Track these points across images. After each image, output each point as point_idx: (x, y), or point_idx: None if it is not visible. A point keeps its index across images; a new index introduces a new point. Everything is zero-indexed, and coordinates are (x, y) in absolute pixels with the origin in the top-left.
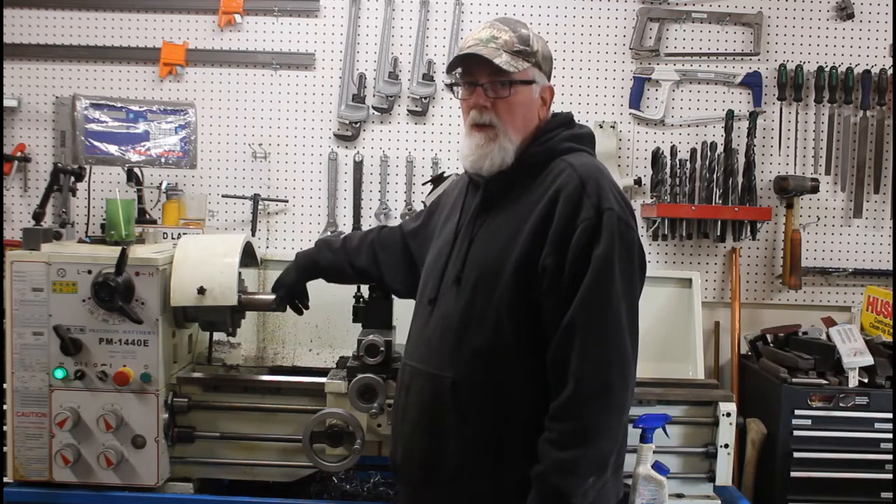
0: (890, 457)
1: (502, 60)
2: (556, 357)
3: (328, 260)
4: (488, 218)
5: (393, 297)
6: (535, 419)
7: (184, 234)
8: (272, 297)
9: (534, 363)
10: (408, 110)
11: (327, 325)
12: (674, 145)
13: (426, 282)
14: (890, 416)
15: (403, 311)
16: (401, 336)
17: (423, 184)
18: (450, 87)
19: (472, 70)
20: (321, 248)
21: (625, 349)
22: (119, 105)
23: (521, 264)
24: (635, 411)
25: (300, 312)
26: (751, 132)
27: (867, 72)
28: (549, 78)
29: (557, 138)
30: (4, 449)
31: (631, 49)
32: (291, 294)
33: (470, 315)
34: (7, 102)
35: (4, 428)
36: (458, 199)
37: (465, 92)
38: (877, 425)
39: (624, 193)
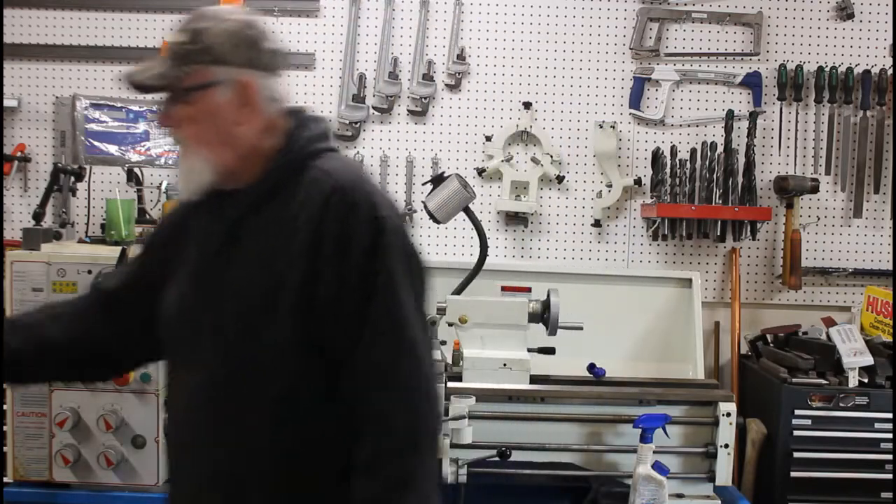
0: (890, 457)
1: (157, 71)
2: (355, 400)
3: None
4: (231, 251)
5: None
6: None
7: None
8: None
9: (334, 408)
10: (408, 110)
11: None
12: (674, 145)
13: (172, 342)
14: (890, 416)
15: None
16: None
17: (423, 184)
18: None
19: (148, 92)
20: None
21: (426, 373)
22: (119, 105)
23: (298, 297)
24: (635, 411)
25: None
26: (751, 132)
27: (867, 72)
28: (254, 66)
29: (303, 143)
30: (4, 449)
31: (631, 49)
32: None
33: (242, 371)
34: (7, 102)
35: (4, 428)
36: (181, 231)
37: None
38: (877, 425)
39: (388, 194)
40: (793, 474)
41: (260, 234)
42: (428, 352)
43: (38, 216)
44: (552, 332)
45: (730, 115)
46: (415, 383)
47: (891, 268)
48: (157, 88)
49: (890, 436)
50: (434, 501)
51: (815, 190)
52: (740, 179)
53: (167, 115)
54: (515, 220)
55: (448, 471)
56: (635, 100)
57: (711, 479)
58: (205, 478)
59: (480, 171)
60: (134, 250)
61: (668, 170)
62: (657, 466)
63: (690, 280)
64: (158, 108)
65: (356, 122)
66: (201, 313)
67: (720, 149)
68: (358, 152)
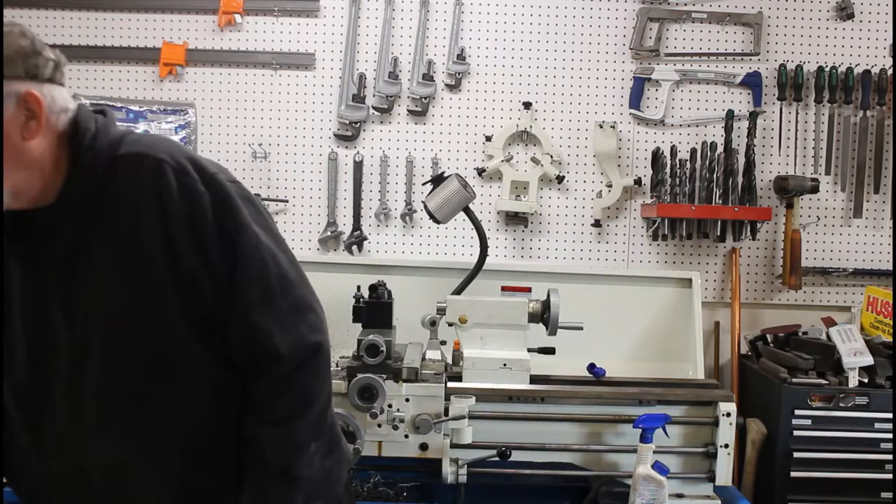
0: (890, 457)
1: None
2: (247, 347)
3: None
4: (76, 268)
5: (393, 297)
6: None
7: None
8: None
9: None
10: (408, 110)
11: (327, 325)
12: (674, 145)
13: (21, 391)
14: (890, 416)
15: (404, 311)
16: (401, 336)
17: (424, 184)
18: None
19: None
20: None
21: (308, 302)
22: (119, 105)
23: (170, 282)
24: (635, 411)
25: None
26: (751, 132)
27: (867, 72)
28: (35, 77)
29: (96, 134)
30: None
31: (631, 49)
32: None
33: (149, 372)
34: None
35: None
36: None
37: None
38: (877, 425)
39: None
40: (793, 474)
41: (99, 247)
42: (297, 276)
43: None
44: (552, 332)
45: (730, 115)
46: (292, 309)
47: (891, 268)
48: None
49: (890, 436)
50: (323, 421)
51: (815, 190)
52: (740, 179)
53: None
54: (515, 220)
55: (448, 471)
56: (635, 100)
57: (711, 479)
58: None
59: (480, 171)
60: None
61: (668, 170)
62: (657, 466)
63: (690, 280)
64: None
65: (356, 122)
66: (60, 349)
67: (720, 149)
68: (358, 152)
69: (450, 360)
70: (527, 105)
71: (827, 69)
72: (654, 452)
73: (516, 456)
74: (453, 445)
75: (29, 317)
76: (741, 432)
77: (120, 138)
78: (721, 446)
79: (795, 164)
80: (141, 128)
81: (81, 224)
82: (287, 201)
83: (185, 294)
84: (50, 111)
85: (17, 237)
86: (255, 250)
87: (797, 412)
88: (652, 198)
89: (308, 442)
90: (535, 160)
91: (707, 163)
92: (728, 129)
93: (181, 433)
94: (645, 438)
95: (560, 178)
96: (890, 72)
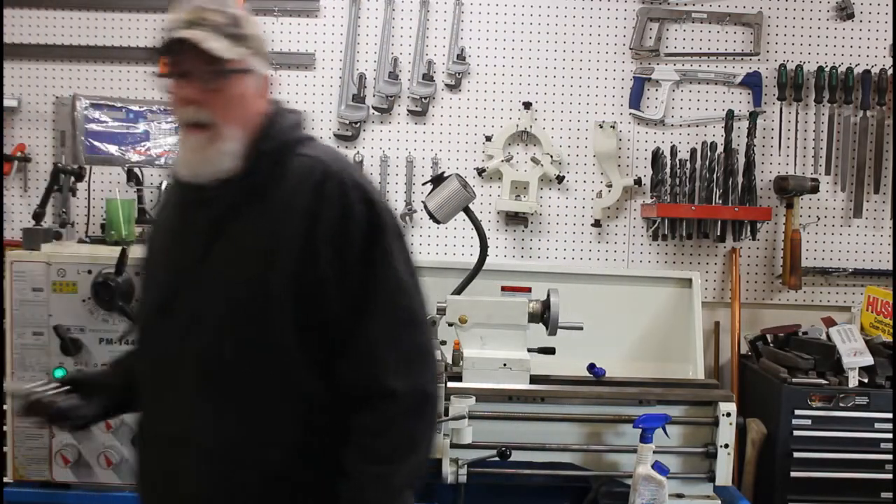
0: (890, 457)
1: (216, 46)
2: (361, 373)
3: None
4: (227, 236)
5: None
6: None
7: None
8: None
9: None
10: (408, 110)
11: None
12: (674, 145)
13: (147, 333)
14: (890, 416)
15: None
16: None
17: (424, 184)
18: (160, 77)
19: (180, 58)
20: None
21: (428, 348)
22: (119, 105)
23: (297, 283)
24: (635, 411)
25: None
26: (751, 132)
27: (867, 72)
28: (265, 64)
29: (284, 128)
30: (4, 449)
31: (631, 49)
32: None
33: (244, 360)
34: (7, 102)
35: (4, 428)
36: (168, 222)
37: (172, 84)
38: (877, 425)
39: (365, 175)
40: (793, 474)
41: (248, 223)
42: (425, 321)
43: (38, 216)
44: (552, 332)
45: (730, 115)
46: (415, 352)
47: (891, 268)
48: (207, 57)
49: (890, 436)
50: (422, 469)
51: (815, 190)
52: (740, 179)
53: (199, 91)
54: (515, 220)
55: (448, 471)
56: (635, 100)
57: (711, 479)
58: (194, 479)
59: (480, 171)
60: (134, 250)
61: (668, 170)
62: (657, 466)
63: (690, 280)
64: (177, 80)
65: (356, 122)
66: (190, 306)
67: (720, 149)
68: (358, 152)
69: (450, 360)
70: (527, 105)
71: (827, 69)
72: (654, 452)
73: (516, 456)
74: (453, 445)
75: (171, 263)
76: (741, 432)
77: (299, 141)
78: (721, 446)
79: (795, 164)
80: (141, 127)
81: (240, 200)
82: None
83: (304, 300)
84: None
85: (192, 193)
86: (394, 284)
87: (797, 412)
88: (652, 198)
89: (403, 489)
90: (535, 160)
91: (707, 163)
92: (728, 129)
93: (256, 429)
94: (645, 438)
95: (560, 178)
96: (890, 72)
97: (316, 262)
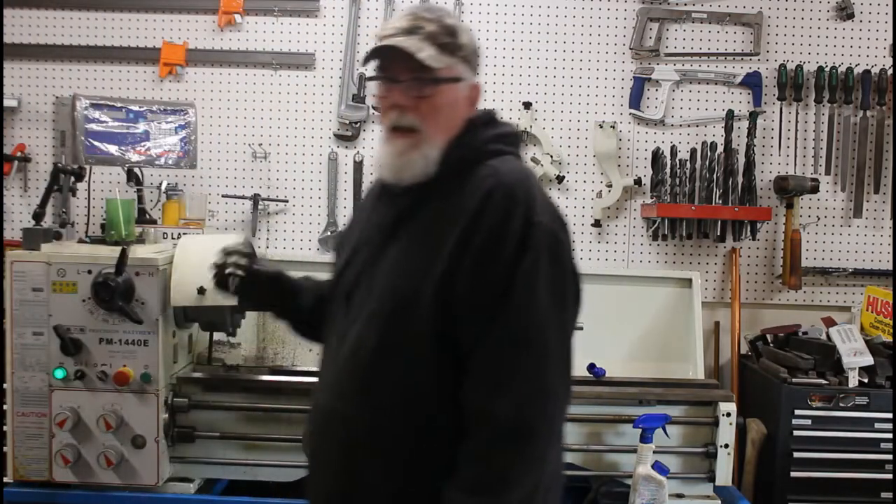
0: (890, 457)
1: (427, 55)
2: (472, 391)
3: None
4: (402, 235)
5: None
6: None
7: (184, 234)
8: None
9: (454, 401)
10: None
11: None
12: (674, 145)
13: (334, 313)
14: (890, 416)
15: None
16: None
17: None
18: (370, 80)
19: (391, 65)
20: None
21: (551, 385)
22: (119, 105)
23: (439, 290)
24: (635, 411)
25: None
26: (751, 132)
27: (867, 72)
28: (475, 73)
29: (481, 139)
30: (4, 449)
31: (631, 49)
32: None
33: (384, 352)
34: (7, 102)
35: (4, 428)
36: (364, 213)
37: (382, 89)
38: (877, 425)
39: (557, 207)
40: (793, 474)
41: (424, 223)
42: (557, 357)
43: (38, 216)
44: None
45: (730, 115)
46: (530, 384)
47: (891, 268)
48: (417, 65)
49: (890, 436)
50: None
51: (815, 190)
52: (740, 179)
53: (409, 95)
54: None
55: None
56: (635, 100)
57: (711, 479)
58: (333, 442)
59: None
60: (134, 250)
61: (668, 170)
62: (657, 466)
63: (690, 280)
64: (387, 85)
65: (356, 122)
66: (358, 296)
67: (720, 149)
68: (358, 152)
69: None
70: (527, 105)
71: (827, 69)
72: (654, 452)
73: None
74: None
75: (356, 249)
76: (741, 432)
77: (493, 153)
78: (721, 446)
79: (795, 164)
80: (141, 127)
81: (421, 201)
82: (287, 201)
83: (442, 307)
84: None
85: (380, 196)
86: (528, 309)
87: (797, 412)
88: (652, 198)
89: None
90: (535, 160)
91: (707, 163)
92: (728, 129)
93: (385, 418)
94: (645, 438)
95: (560, 178)
96: (890, 72)
97: (459, 270)
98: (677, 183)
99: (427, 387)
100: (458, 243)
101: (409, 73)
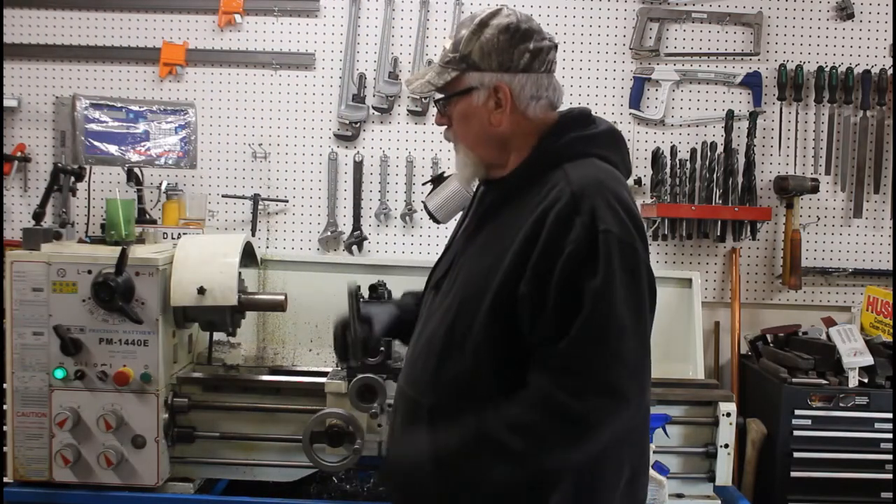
0: (890, 457)
1: (426, 80)
2: (546, 381)
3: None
4: (481, 234)
5: (393, 297)
6: None
7: (184, 234)
8: (274, 296)
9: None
10: (408, 110)
11: (327, 325)
12: (674, 145)
13: (425, 301)
14: (890, 416)
15: None
16: None
17: (424, 184)
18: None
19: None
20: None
21: (628, 392)
22: (119, 105)
23: (499, 290)
24: None
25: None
26: (751, 132)
27: (867, 72)
28: (506, 69)
29: (562, 142)
30: (4, 449)
31: (631, 49)
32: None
33: (451, 341)
34: (7, 102)
35: (4, 428)
36: (468, 209)
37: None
38: (877, 425)
39: (634, 213)
40: (793, 474)
41: (499, 224)
42: (633, 364)
43: (38, 216)
44: None
45: (730, 115)
46: (598, 380)
47: (891, 268)
48: (429, 89)
49: (890, 436)
50: (521, 489)
51: (815, 190)
52: (740, 179)
53: (440, 115)
54: None
55: None
56: (635, 100)
57: (711, 479)
58: (408, 415)
59: None
60: (134, 250)
61: (668, 170)
62: (657, 466)
63: (690, 280)
64: (437, 108)
65: (356, 122)
66: (442, 287)
67: (720, 149)
68: (358, 152)
69: None
70: None
71: (827, 69)
72: (654, 452)
73: None
74: None
75: (450, 245)
76: (741, 432)
77: (573, 156)
78: (721, 446)
79: (795, 164)
80: (141, 127)
81: (501, 205)
82: (287, 201)
83: (497, 313)
84: (517, 100)
85: (481, 190)
86: (604, 321)
87: (797, 412)
88: (652, 198)
89: (501, 474)
90: None
91: (707, 163)
92: (728, 129)
93: (446, 404)
94: None
95: None
96: (890, 72)
97: (517, 279)
98: (677, 183)
99: (483, 376)
100: (521, 250)
101: (436, 97)
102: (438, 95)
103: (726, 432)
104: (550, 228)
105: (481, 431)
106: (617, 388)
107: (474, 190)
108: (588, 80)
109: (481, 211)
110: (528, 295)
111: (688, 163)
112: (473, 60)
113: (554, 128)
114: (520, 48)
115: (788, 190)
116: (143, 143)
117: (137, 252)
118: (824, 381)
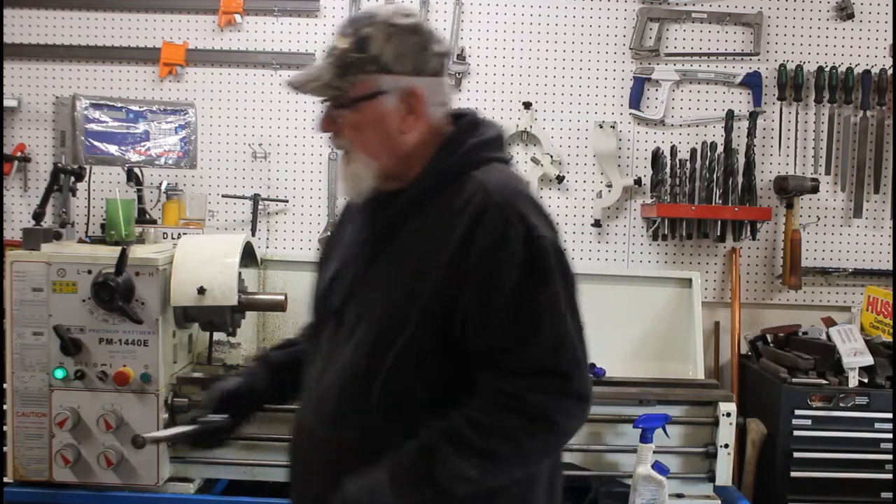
0: (890, 457)
1: (325, 81)
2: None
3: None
4: (385, 252)
5: None
6: None
7: (184, 234)
8: (274, 296)
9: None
10: None
11: None
12: (674, 145)
13: (319, 331)
14: (890, 416)
15: None
16: None
17: None
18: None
19: (311, 91)
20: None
21: (581, 391)
22: (119, 105)
23: (430, 305)
24: (635, 411)
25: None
26: (751, 132)
27: (867, 72)
28: (419, 73)
29: (464, 149)
30: (4, 449)
31: (631, 49)
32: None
33: (375, 364)
34: (7, 102)
35: (4, 428)
36: (347, 225)
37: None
38: (877, 425)
39: (546, 209)
40: (793, 474)
41: (408, 237)
42: (584, 360)
43: (38, 216)
44: None
45: (730, 115)
46: (552, 373)
47: (891, 268)
48: (322, 97)
49: (890, 436)
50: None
51: (815, 190)
52: (740, 179)
53: (330, 120)
54: None
55: None
56: (635, 100)
57: (711, 479)
58: (313, 465)
59: None
60: (134, 250)
61: (668, 170)
62: (657, 466)
63: (690, 280)
64: (320, 112)
65: None
66: (347, 313)
67: (720, 149)
68: None
69: None
70: (527, 105)
71: (827, 69)
72: (654, 452)
73: None
74: None
75: (340, 267)
76: (741, 432)
77: (479, 162)
78: (721, 446)
79: (795, 164)
80: (141, 127)
81: (404, 218)
82: (287, 201)
83: (434, 328)
84: (427, 105)
85: (360, 209)
86: (556, 324)
87: (797, 412)
88: (652, 198)
89: (430, 488)
90: (535, 160)
91: (707, 163)
92: (728, 129)
93: (376, 440)
94: (645, 438)
95: (560, 178)
96: (890, 72)
97: (455, 292)
98: (677, 183)
99: (418, 401)
100: (450, 265)
101: (326, 100)
102: (333, 99)
103: (726, 432)
104: (484, 241)
105: (443, 441)
106: (580, 391)
107: (348, 208)
108: (588, 80)
109: (380, 228)
110: (472, 308)
111: (688, 163)
112: (385, 63)
113: (454, 135)
114: (430, 50)
115: (788, 190)
116: (143, 143)
117: (137, 252)
118: (824, 381)
